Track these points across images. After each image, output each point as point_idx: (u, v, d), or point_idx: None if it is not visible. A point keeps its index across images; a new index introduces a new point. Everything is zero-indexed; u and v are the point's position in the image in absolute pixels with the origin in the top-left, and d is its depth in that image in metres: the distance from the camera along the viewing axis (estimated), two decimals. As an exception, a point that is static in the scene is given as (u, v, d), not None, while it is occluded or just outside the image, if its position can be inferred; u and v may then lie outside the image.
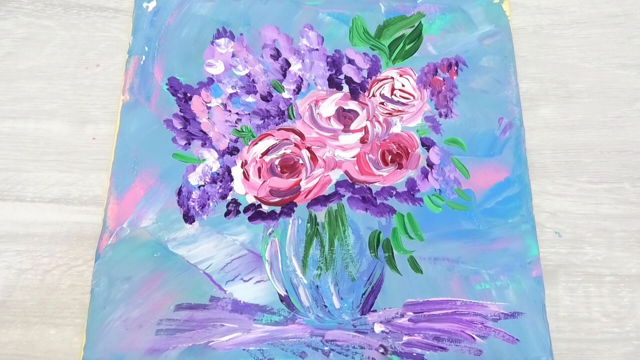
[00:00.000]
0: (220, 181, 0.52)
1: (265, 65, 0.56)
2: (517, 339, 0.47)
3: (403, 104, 0.55)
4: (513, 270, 0.49)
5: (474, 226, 0.51)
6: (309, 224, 0.51)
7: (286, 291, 0.49)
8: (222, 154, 0.53)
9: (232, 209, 0.51)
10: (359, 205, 0.51)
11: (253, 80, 0.55)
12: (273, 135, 0.53)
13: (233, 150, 0.53)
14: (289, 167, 0.52)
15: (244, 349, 0.47)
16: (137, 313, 0.48)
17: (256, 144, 0.53)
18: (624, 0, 0.60)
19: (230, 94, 0.55)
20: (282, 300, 0.49)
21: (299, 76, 0.56)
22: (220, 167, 0.52)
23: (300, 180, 0.52)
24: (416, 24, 0.58)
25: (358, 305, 0.49)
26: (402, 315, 0.48)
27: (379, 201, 0.51)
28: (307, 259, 0.50)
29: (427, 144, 0.53)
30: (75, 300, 0.49)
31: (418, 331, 0.48)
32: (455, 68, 0.56)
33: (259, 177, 0.52)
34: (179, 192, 0.51)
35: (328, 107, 0.55)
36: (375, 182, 0.52)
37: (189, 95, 0.55)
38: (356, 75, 0.56)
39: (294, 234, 0.51)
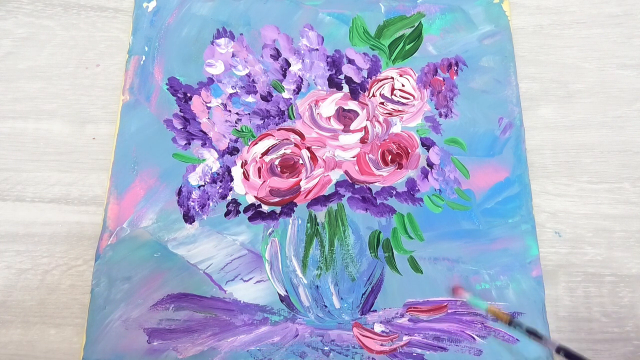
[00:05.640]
0: (220, 181, 0.52)
1: (265, 65, 0.56)
2: (517, 339, 0.47)
3: (403, 104, 0.55)
4: (513, 270, 0.49)
5: (474, 226, 0.51)
6: (309, 224, 0.51)
7: (286, 291, 0.49)
8: (222, 154, 0.53)
9: (232, 209, 0.51)
10: (359, 205, 0.51)
11: (253, 80, 0.55)
12: (273, 135, 0.53)
13: (233, 150, 0.53)
14: (289, 167, 0.52)
15: (244, 349, 0.47)
16: (137, 313, 0.48)
17: (256, 144, 0.53)
18: (624, 0, 0.60)
19: (230, 94, 0.55)
20: (282, 300, 0.49)
21: (299, 76, 0.56)
22: (220, 167, 0.52)
23: (300, 180, 0.52)
24: (416, 24, 0.58)
25: (358, 305, 0.49)
26: (402, 315, 0.48)
27: (379, 201, 0.51)
28: (307, 259, 0.50)
29: (427, 144, 0.53)
30: (75, 300, 0.49)
31: (418, 331, 0.48)
32: (455, 68, 0.56)
33: (259, 177, 0.52)
34: (179, 192, 0.51)
35: (328, 107, 0.55)
36: (375, 182, 0.52)
37: (189, 95, 0.55)
38: (356, 75, 0.56)
39: (294, 234, 0.51)
